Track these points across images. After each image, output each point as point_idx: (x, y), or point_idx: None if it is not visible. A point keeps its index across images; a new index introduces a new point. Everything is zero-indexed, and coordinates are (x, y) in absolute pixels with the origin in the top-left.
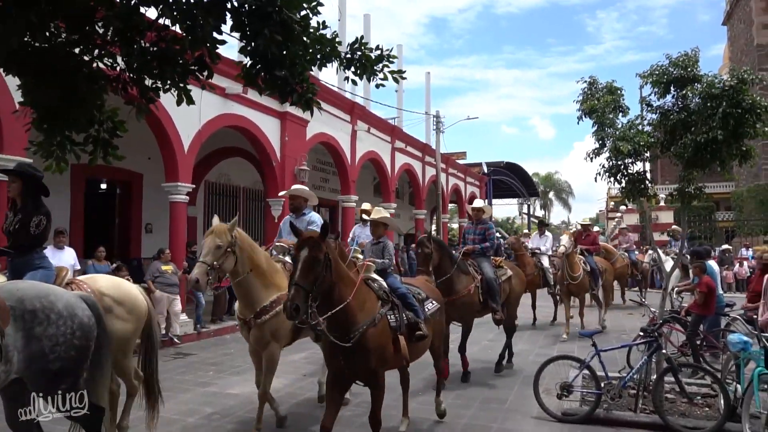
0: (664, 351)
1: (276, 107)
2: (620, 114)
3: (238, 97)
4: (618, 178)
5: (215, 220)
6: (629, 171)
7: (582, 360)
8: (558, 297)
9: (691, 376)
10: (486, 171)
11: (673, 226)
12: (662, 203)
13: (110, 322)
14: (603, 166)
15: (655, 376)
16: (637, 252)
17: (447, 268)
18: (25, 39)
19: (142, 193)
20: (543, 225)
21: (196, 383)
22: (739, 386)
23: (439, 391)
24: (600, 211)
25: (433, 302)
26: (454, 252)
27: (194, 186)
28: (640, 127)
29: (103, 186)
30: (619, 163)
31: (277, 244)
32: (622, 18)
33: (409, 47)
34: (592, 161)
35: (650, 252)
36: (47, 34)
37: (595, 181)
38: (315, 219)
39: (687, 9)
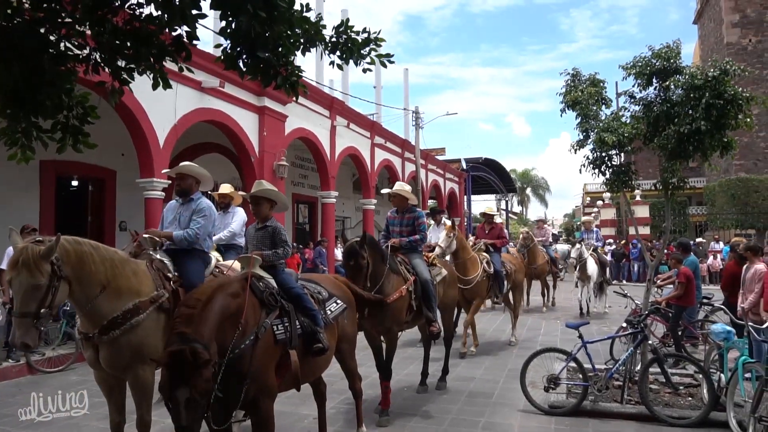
0: (650, 342)
1: (254, 102)
2: (603, 106)
3: (215, 91)
4: (602, 169)
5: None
6: (613, 163)
7: (569, 352)
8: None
9: (674, 366)
10: (465, 167)
11: (584, 218)
12: (638, 198)
13: None
14: (587, 158)
15: (640, 367)
16: (555, 248)
17: (380, 272)
18: None
19: (115, 190)
20: (436, 213)
21: None
22: (722, 375)
23: (360, 422)
24: (576, 206)
25: (338, 301)
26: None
27: (170, 182)
28: (623, 119)
29: (75, 183)
30: (603, 155)
31: (145, 236)
32: (595, 17)
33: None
34: (575, 153)
35: (577, 246)
36: (8, 11)
37: (580, 172)
38: (204, 206)
39: (658, 8)
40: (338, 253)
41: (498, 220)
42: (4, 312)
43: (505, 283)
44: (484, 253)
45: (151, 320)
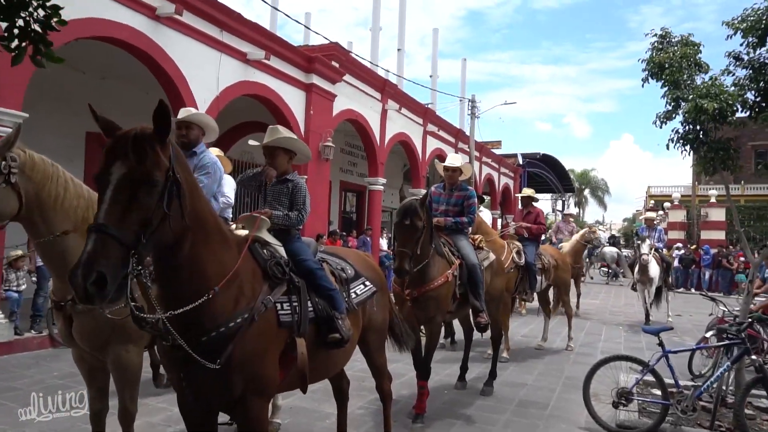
0: (753, 357)
1: (302, 78)
2: (698, 70)
3: (260, 64)
4: (695, 145)
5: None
6: (710, 137)
7: (645, 362)
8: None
9: None
10: (521, 162)
11: (648, 213)
12: (713, 200)
13: None
14: (677, 132)
15: (734, 386)
16: (603, 251)
17: (426, 252)
18: None
19: None
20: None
21: None
22: None
23: (388, 429)
24: (637, 210)
25: (367, 283)
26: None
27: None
28: (725, 87)
29: None
30: (698, 127)
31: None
32: (667, 13)
33: (445, 40)
34: (661, 127)
35: (648, 243)
36: None
37: (667, 149)
38: (209, 161)
39: (737, 4)
40: (383, 243)
41: (548, 201)
42: (29, 280)
43: (540, 279)
44: (517, 242)
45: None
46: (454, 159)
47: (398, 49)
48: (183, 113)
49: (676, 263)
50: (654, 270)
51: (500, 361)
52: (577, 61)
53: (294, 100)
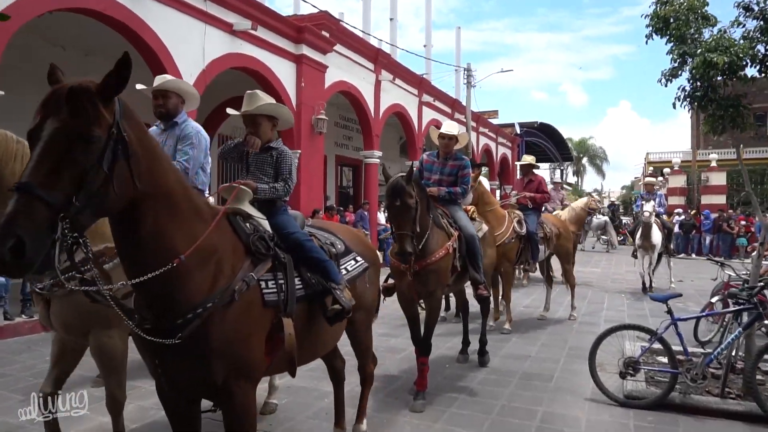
0: (766, 322)
1: (291, 49)
2: (706, 23)
3: (247, 35)
4: (704, 102)
5: None
6: (719, 94)
7: (653, 331)
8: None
9: None
10: (519, 132)
11: (648, 179)
12: (713, 164)
13: None
14: (684, 90)
15: (744, 352)
16: (591, 220)
17: (426, 224)
18: None
19: None
20: (474, 167)
21: None
22: None
23: (361, 415)
24: (635, 178)
25: (358, 258)
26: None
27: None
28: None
29: None
30: (706, 84)
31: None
32: None
33: (438, 11)
34: (666, 85)
35: (651, 204)
36: None
37: (674, 107)
38: (191, 131)
39: None
40: (381, 217)
41: (547, 170)
42: None
43: (542, 248)
44: (518, 211)
45: (120, 273)
46: (450, 126)
47: (390, 19)
48: (158, 81)
49: (676, 229)
50: (656, 236)
51: (502, 333)
52: (573, 28)
53: (284, 72)
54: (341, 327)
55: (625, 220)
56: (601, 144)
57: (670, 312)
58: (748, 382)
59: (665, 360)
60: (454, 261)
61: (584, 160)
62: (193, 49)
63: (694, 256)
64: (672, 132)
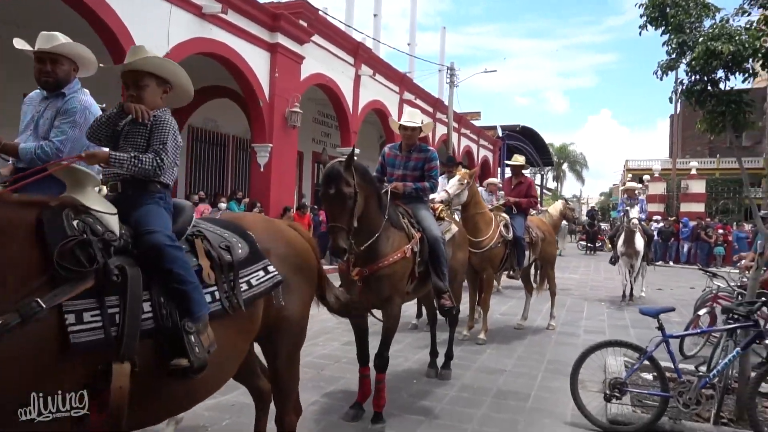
0: (767, 341)
1: (266, 38)
2: (706, 11)
3: (218, 19)
4: (702, 98)
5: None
6: (719, 88)
7: (642, 348)
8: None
9: None
10: (500, 134)
11: (630, 184)
12: (693, 172)
13: None
14: (681, 83)
15: (739, 372)
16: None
17: (376, 223)
18: None
19: None
20: (452, 165)
21: None
22: None
23: None
24: (614, 184)
25: (270, 269)
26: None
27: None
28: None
29: None
30: (706, 78)
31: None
32: None
33: (425, 13)
34: (662, 78)
35: (636, 209)
36: None
37: (670, 102)
38: (75, 106)
39: None
40: None
41: (527, 174)
42: None
43: (528, 254)
44: (504, 214)
45: None
46: (412, 115)
47: (374, 15)
48: (45, 40)
49: (656, 237)
50: (639, 242)
51: (477, 343)
52: (558, 35)
53: (257, 60)
54: (225, 373)
55: (604, 226)
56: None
57: (661, 328)
58: (747, 408)
59: (650, 376)
60: (414, 266)
61: (564, 166)
62: (156, 31)
63: (672, 264)
64: (650, 140)
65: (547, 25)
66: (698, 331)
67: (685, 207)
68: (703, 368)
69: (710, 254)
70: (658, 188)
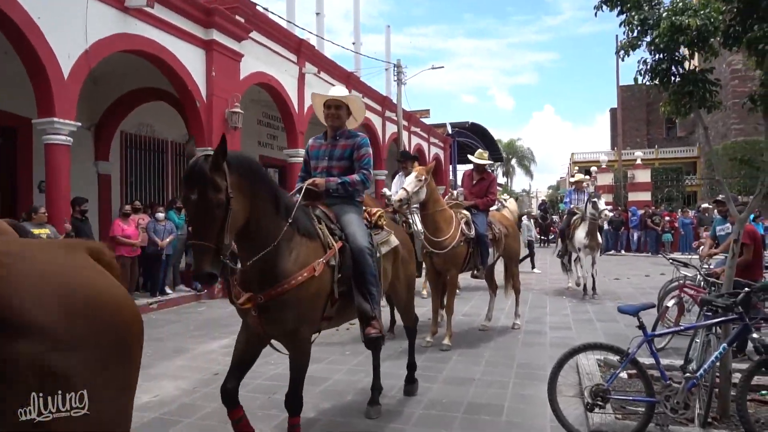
0: (755, 335)
1: (200, 34)
2: None
3: (143, 14)
4: (666, 79)
5: None
6: (684, 68)
7: (624, 351)
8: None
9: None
10: (450, 132)
11: (578, 176)
12: (639, 162)
13: None
14: (645, 63)
15: (720, 370)
16: None
17: (274, 231)
18: None
19: (32, 143)
20: (407, 159)
21: None
22: None
23: None
24: (561, 178)
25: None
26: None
27: (79, 125)
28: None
29: None
30: (670, 56)
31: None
32: None
33: (368, 14)
34: (623, 59)
35: (604, 205)
36: None
37: (635, 83)
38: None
39: None
40: None
41: (490, 170)
42: None
43: (492, 251)
44: (465, 211)
45: None
46: (337, 90)
47: (317, 13)
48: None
49: (606, 225)
50: (598, 234)
51: (442, 350)
52: (499, 35)
53: (191, 59)
54: None
55: (555, 218)
56: (528, 145)
57: (642, 327)
58: (737, 406)
59: (625, 375)
60: (333, 285)
61: (513, 161)
62: (71, 26)
63: (623, 252)
64: (592, 134)
65: (488, 25)
66: (683, 327)
67: (632, 196)
68: (690, 366)
69: (659, 241)
70: (606, 179)
